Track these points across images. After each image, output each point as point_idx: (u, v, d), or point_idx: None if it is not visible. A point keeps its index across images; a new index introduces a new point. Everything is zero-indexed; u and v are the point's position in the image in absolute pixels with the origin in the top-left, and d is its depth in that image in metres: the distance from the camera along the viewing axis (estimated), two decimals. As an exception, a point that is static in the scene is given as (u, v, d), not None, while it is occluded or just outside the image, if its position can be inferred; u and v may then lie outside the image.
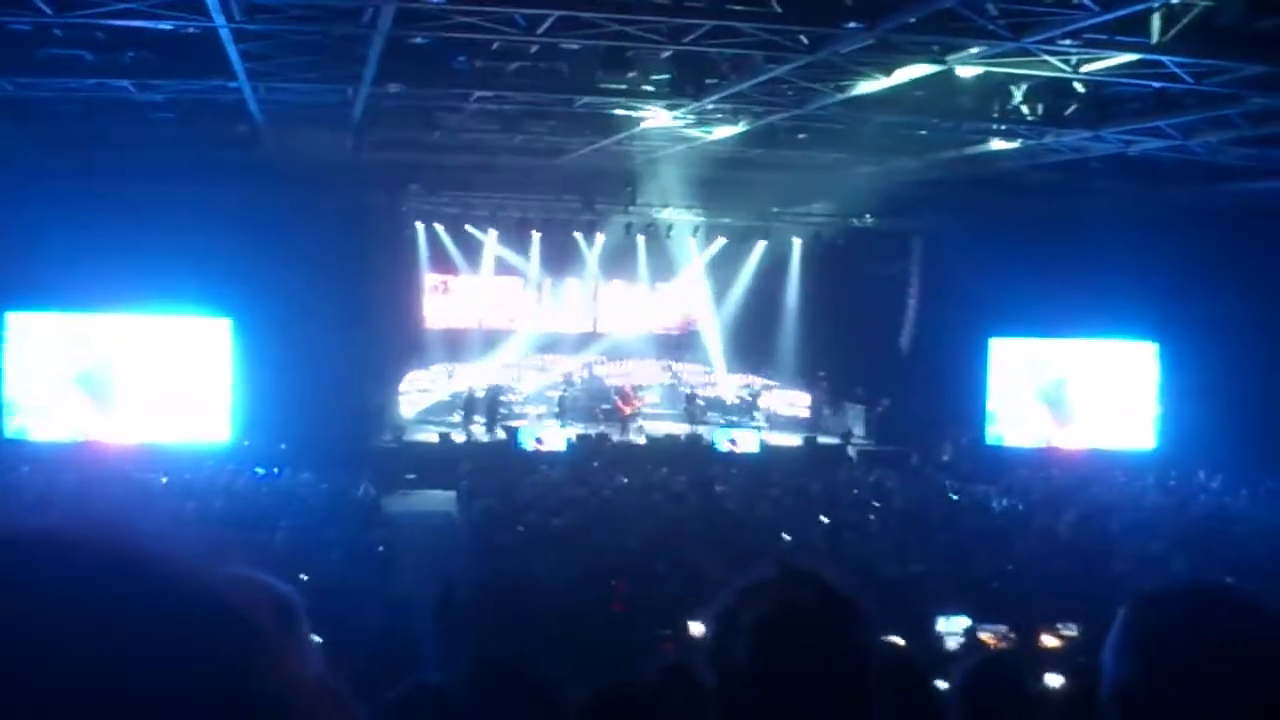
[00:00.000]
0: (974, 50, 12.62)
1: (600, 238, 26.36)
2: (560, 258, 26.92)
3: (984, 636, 10.65)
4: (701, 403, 25.98)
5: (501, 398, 25.23)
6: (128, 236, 19.14)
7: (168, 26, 13.39)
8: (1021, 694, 4.40)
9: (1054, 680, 7.31)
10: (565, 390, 26.28)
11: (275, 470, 19.06)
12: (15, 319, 20.92)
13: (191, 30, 13.37)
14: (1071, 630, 10.74)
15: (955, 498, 18.98)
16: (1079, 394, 24.31)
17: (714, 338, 28.16)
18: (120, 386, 21.11)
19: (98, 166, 18.93)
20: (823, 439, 24.74)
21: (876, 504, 17.77)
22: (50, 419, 20.84)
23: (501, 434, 23.68)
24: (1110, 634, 1.68)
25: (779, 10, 11.63)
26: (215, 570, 0.80)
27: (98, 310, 20.76)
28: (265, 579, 2.04)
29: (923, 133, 18.08)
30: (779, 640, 1.73)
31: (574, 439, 23.06)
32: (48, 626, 0.72)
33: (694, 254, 27.24)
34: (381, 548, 14.56)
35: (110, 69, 14.75)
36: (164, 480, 17.73)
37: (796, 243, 26.90)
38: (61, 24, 13.23)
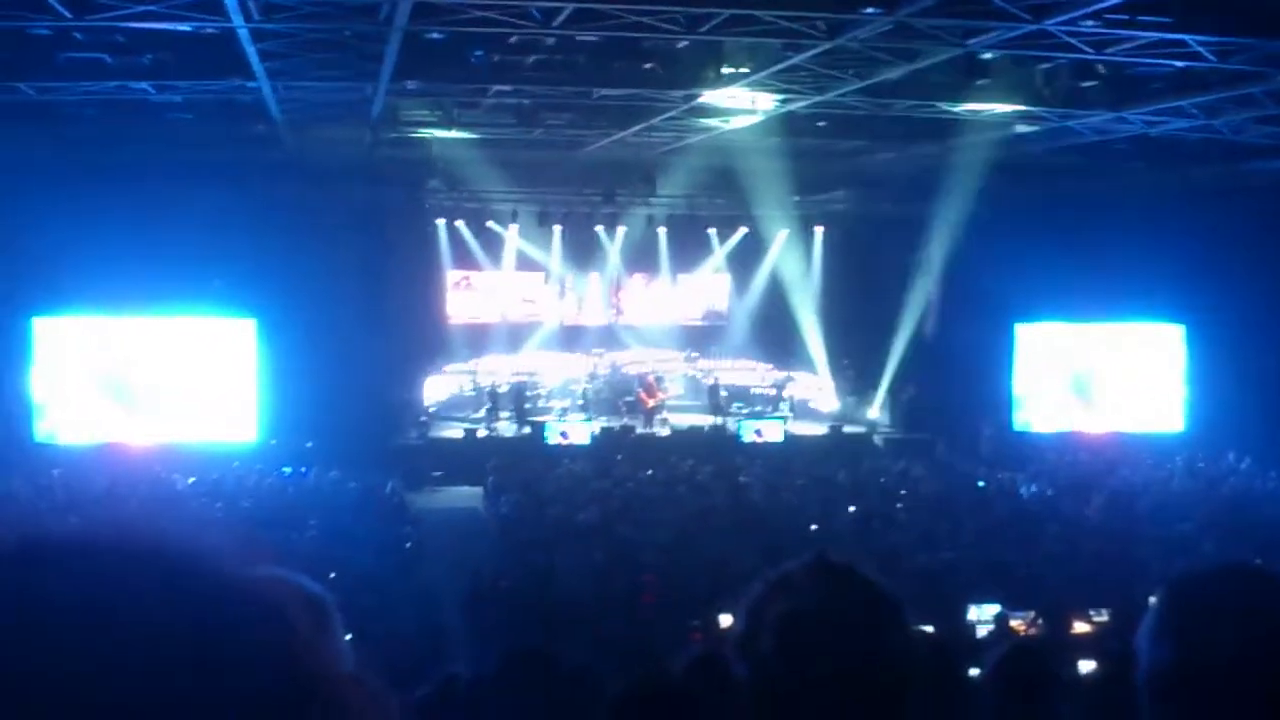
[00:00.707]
0: (994, 34, 12.53)
1: (621, 230, 26.35)
2: (582, 251, 26.91)
3: (1014, 624, 10.61)
4: (725, 393, 25.94)
5: (526, 392, 25.26)
6: (151, 238, 19.24)
7: (186, 28, 13.45)
8: (1053, 681, 4.38)
9: (1086, 666, 7.28)
10: (589, 384, 26.30)
11: (302, 469, 19.16)
12: (42, 324, 21.07)
13: (210, 31, 13.42)
14: (1103, 616, 10.69)
15: (983, 484, 18.90)
16: (1106, 378, 24.15)
17: (737, 328, 28.13)
18: (147, 388, 21.24)
19: (119, 169, 19.03)
20: (848, 428, 24.68)
21: (904, 492, 17.71)
22: (79, 422, 21.00)
23: (527, 429, 23.72)
24: (1145, 618, 1.66)
25: (796, -3, 11.59)
26: (250, 571, 0.80)
27: (123, 313, 20.90)
28: (298, 579, 2.05)
29: (943, 118, 17.97)
30: (807, 634, 1.72)
31: (598, 432, 23.08)
32: (84, 632, 0.73)
33: (715, 245, 27.22)
34: (409, 544, 14.63)
35: (130, 71, 14.83)
36: (191, 481, 17.85)
37: (818, 231, 26.82)
38: (81, 27, 13.30)
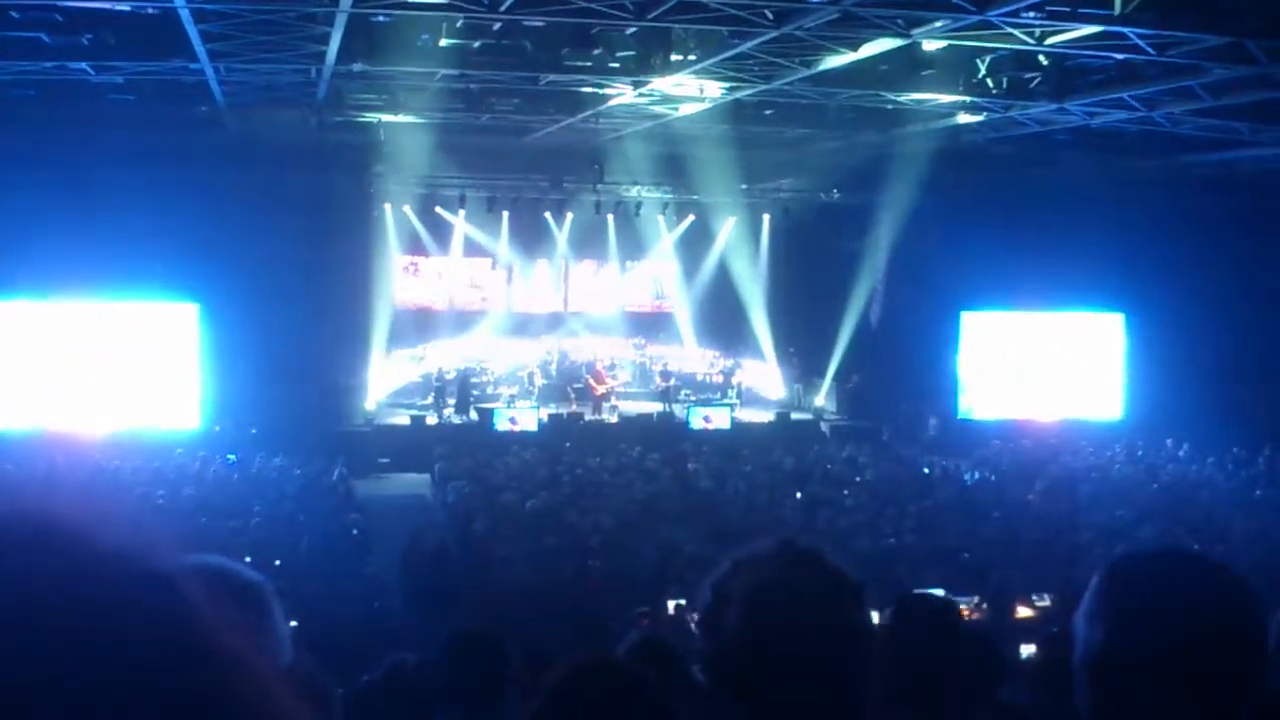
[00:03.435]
0: (938, 24, 12.62)
1: (569, 217, 26.32)
2: (530, 237, 26.85)
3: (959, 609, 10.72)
4: (675, 381, 26.01)
5: (473, 379, 25.16)
6: (91, 222, 18.89)
7: (126, 7, 13.20)
8: (995, 661, 4.44)
9: (1028, 650, 7.38)
10: (537, 370, 26.24)
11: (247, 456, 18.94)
12: (-22, 308, 20.65)
13: (151, 11, 13.19)
14: (1045, 601, 10.83)
15: (927, 470, 19.11)
16: (1048, 365, 24.48)
17: (684, 315, 28.21)
18: (87, 374, 20.87)
19: (58, 151, 18.67)
20: (795, 415, 24.85)
21: (858, 479, 17.85)
22: (17, 409, 20.61)
23: (474, 415, 23.63)
24: (1082, 601, 1.70)
25: (744, -15, 11.60)
26: (145, 550, 0.75)
27: (62, 297, 20.52)
28: (232, 567, 2.03)
29: (888, 107, 18.10)
30: (773, 608, 1.75)
31: (546, 419, 23.04)
32: None
33: (663, 232, 27.25)
34: (356, 531, 14.52)
35: (68, 51, 14.53)
36: (134, 469, 17.58)
37: (765, 219, 26.94)
38: (17, 5, 13.02)
